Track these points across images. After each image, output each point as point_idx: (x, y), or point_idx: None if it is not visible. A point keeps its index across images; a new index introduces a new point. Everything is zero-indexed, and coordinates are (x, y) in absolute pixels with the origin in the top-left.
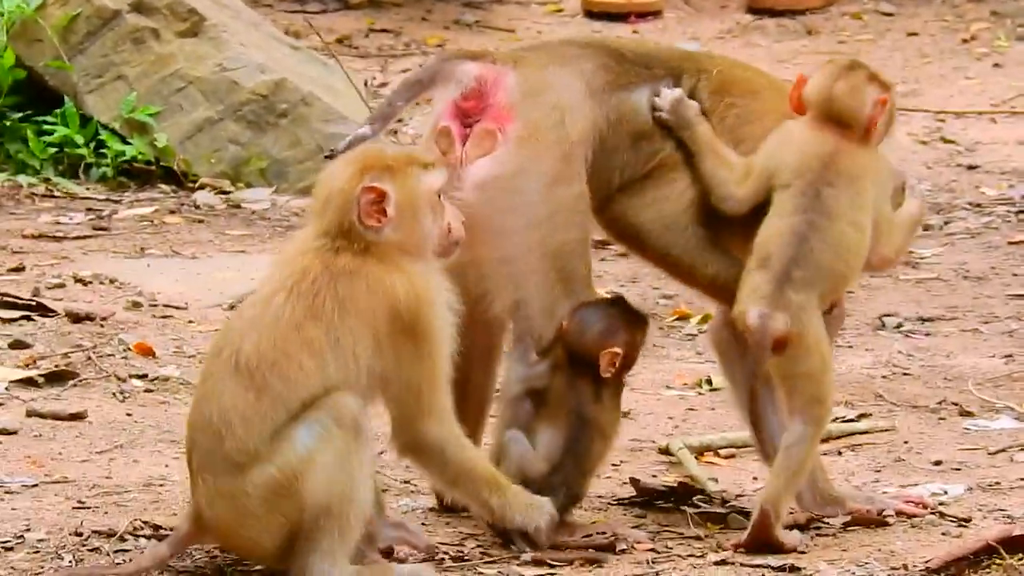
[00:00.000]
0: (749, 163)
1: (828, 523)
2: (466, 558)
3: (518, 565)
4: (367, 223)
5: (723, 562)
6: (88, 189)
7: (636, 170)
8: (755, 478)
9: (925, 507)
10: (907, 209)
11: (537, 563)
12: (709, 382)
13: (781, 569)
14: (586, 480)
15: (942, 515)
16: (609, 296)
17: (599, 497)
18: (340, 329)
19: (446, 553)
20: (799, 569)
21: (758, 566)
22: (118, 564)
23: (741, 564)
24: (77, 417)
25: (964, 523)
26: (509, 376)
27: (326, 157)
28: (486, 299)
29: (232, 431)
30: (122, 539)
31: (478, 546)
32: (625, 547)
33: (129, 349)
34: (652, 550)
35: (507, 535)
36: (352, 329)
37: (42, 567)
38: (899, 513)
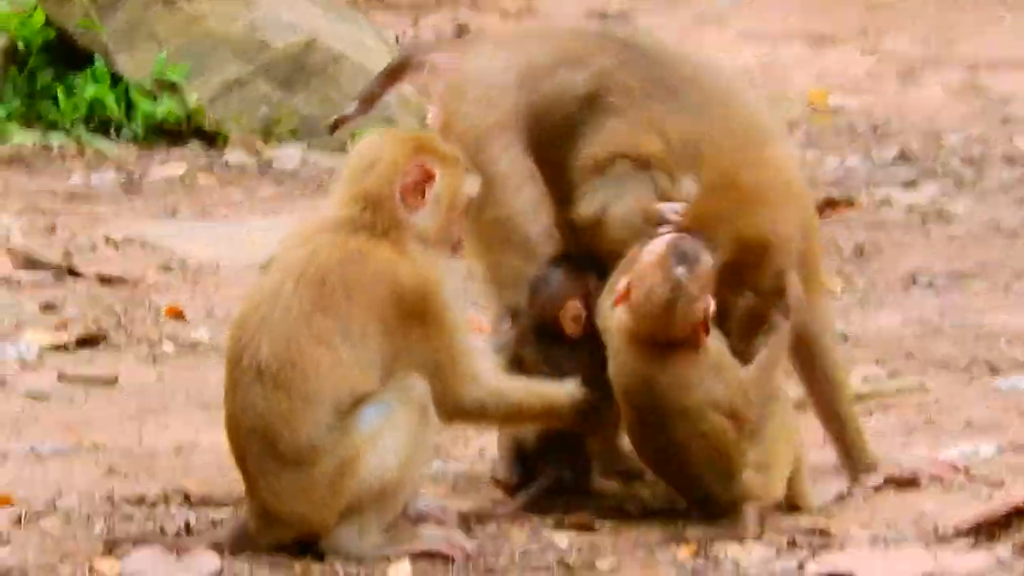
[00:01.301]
0: None
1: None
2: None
3: (548, 529)
4: (408, 199)
5: None
6: (118, 148)
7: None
8: None
9: (956, 470)
10: (764, 354)
11: (569, 527)
12: None
13: (811, 532)
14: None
15: (973, 477)
16: (553, 258)
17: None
18: (348, 316)
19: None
20: (829, 533)
21: (788, 529)
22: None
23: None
24: (108, 381)
25: (995, 485)
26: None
27: (330, 129)
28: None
29: (279, 435)
30: (153, 506)
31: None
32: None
33: (160, 312)
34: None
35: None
36: (359, 316)
37: (74, 534)
38: (930, 476)
